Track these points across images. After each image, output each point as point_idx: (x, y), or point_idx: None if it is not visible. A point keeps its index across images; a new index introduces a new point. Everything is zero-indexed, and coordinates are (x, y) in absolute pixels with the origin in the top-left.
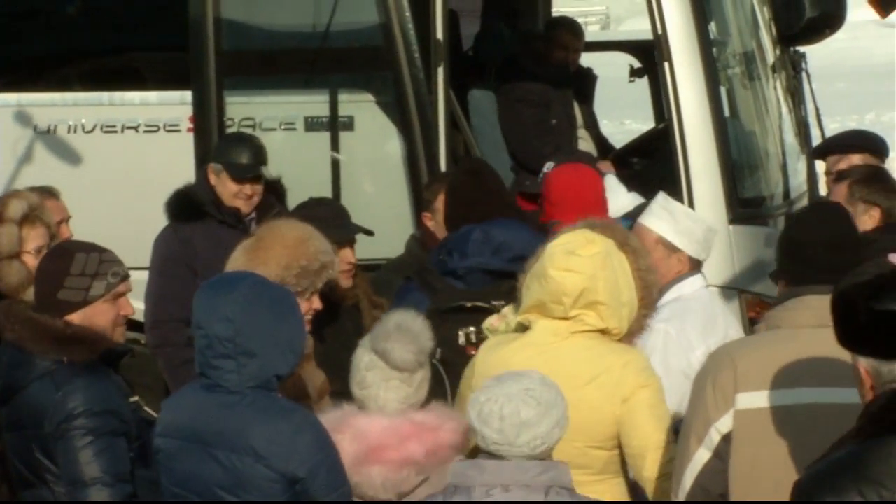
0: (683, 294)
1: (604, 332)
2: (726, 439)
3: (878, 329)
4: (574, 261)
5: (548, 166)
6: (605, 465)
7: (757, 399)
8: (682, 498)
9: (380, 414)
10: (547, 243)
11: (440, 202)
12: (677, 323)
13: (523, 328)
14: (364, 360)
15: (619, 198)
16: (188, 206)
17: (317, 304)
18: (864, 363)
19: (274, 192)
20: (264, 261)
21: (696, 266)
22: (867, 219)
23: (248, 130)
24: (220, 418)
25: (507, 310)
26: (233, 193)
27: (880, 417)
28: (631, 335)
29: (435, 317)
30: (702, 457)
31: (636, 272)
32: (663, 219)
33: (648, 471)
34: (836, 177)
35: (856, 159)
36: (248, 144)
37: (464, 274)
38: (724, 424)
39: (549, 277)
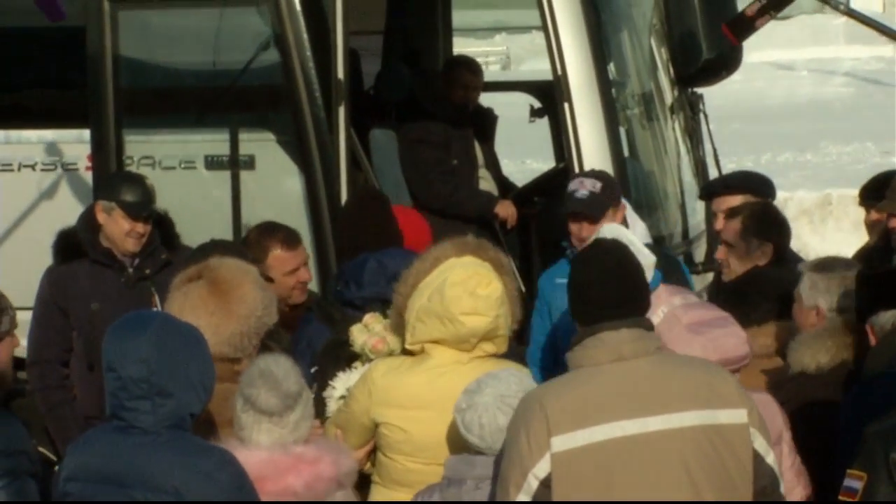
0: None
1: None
2: (545, 484)
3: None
4: (479, 303)
5: None
6: None
7: (571, 440)
8: None
9: (258, 447)
10: (427, 268)
11: (273, 258)
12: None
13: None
14: (239, 402)
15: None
16: (66, 247)
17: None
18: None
19: (161, 226)
20: (239, 298)
21: None
22: (760, 255)
23: (148, 169)
24: (137, 459)
25: (372, 322)
26: (125, 232)
27: None
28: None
29: (337, 346)
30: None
31: (510, 293)
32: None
33: None
34: (728, 213)
35: (739, 200)
36: (140, 183)
37: (361, 304)
38: (542, 469)
39: (457, 321)
